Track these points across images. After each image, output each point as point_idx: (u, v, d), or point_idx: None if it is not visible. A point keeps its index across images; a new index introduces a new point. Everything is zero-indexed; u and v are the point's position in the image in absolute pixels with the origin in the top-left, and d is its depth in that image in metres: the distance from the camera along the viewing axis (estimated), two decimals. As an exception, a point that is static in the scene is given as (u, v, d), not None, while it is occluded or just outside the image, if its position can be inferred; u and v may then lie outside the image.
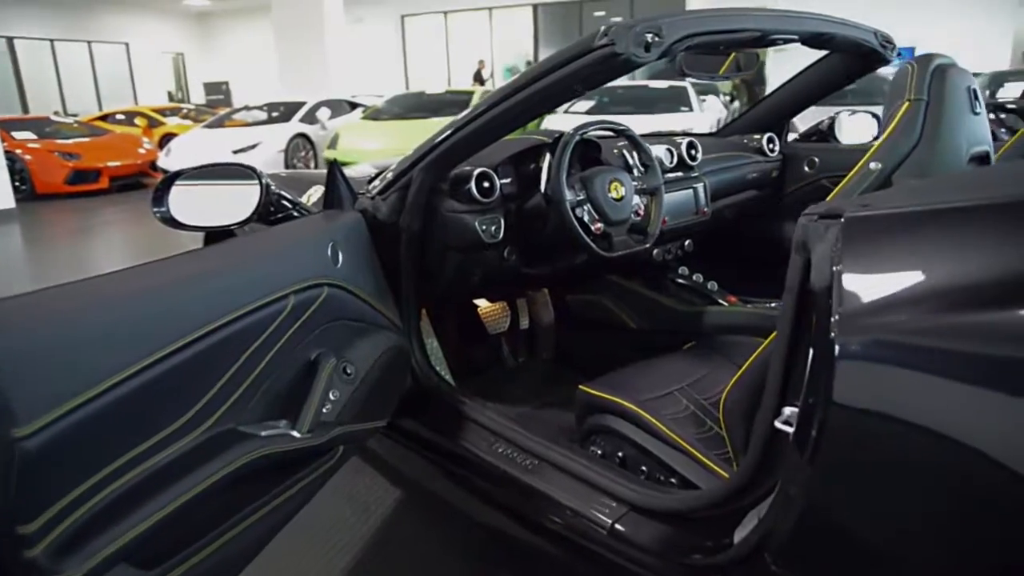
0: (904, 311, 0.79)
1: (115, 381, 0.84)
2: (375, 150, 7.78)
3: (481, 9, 17.27)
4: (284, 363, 1.19)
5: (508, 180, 1.79)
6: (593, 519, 1.32)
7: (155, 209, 1.35)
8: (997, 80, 8.84)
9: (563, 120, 7.79)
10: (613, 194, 1.73)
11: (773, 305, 1.91)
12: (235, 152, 8.30)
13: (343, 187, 1.53)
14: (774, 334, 1.25)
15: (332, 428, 1.26)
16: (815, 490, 0.90)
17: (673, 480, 1.41)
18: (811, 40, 1.77)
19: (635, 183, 1.80)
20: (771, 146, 2.42)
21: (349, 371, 1.35)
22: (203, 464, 0.99)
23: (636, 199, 1.80)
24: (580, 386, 1.64)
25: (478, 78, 15.47)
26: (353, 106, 10.39)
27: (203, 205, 1.38)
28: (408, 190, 1.65)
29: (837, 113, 2.52)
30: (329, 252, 1.34)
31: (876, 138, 2.48)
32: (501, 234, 1.72)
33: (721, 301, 1.98)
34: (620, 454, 1.50)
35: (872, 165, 1.11)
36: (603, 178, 1.73)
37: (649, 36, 1.32)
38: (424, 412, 1.75)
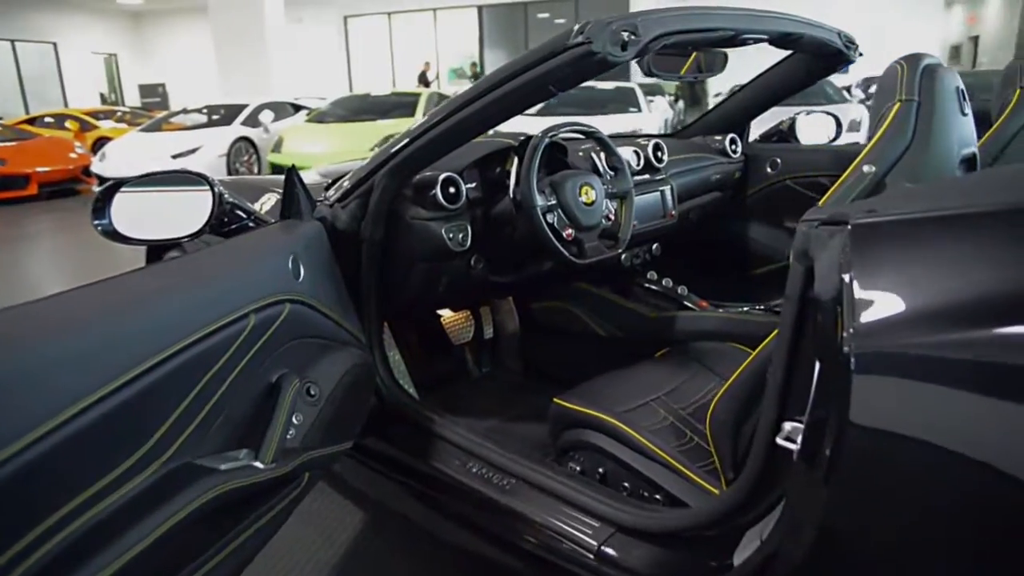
0: (928, 323, 0.74)
1: (53, 425, 0.74)
2: (321, 154, 7.61)
3: (425, 10, 17.13)
4: (244, 387, 1.09)
5: (473, 185, 1.71)
6: (578, 541, 1.25)
7: (95, 222, 1.23)
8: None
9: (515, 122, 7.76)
10: (584, 199, 1.67)
11: (745, 309, 1.88)
12: (174, 157, 8.00)
13: (302, 195, 1.43)
14: (764, 343, 1.20)
15: (297, 455, 1.17)
16: (830, 513, 0.85)
17: (658, 496, 1.35)
18: (779, 40, 1.74)
19: (605, 187, 1.74)
20: (733, 147, 2.40)
21: (313, 392, 1.26)
22: (159, 506, 0.89)
23: (606, 203, 1.74)
24: (554, 399, 1.58)
25: (423, 80, 15.32)
26: (297, 108, 10.14)
27: (150, 216, 1.27)
28: (369, 197, 1.57)
29: (796, 114, 2.52)
30: (290, 265, 1.24)
31: (836, 138, 2.53)
32: (468, 242, 1.64)
33: (692, 306, 1.94)
34: (600, 470, 1.43)
35: (865, 168, 1.07)
36: (574, 182, 1.67)
37: (625, 35, 1.26)
38: (390, 430, 1.66)
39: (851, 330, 0.78)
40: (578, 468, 1.47)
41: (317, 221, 1.47)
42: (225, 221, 1.35)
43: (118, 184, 1.26)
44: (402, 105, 8.68)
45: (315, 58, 17.11)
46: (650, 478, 1.36)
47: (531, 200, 1.56)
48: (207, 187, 1.26)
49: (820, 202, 1.10)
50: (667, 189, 2.08)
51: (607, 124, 7.04)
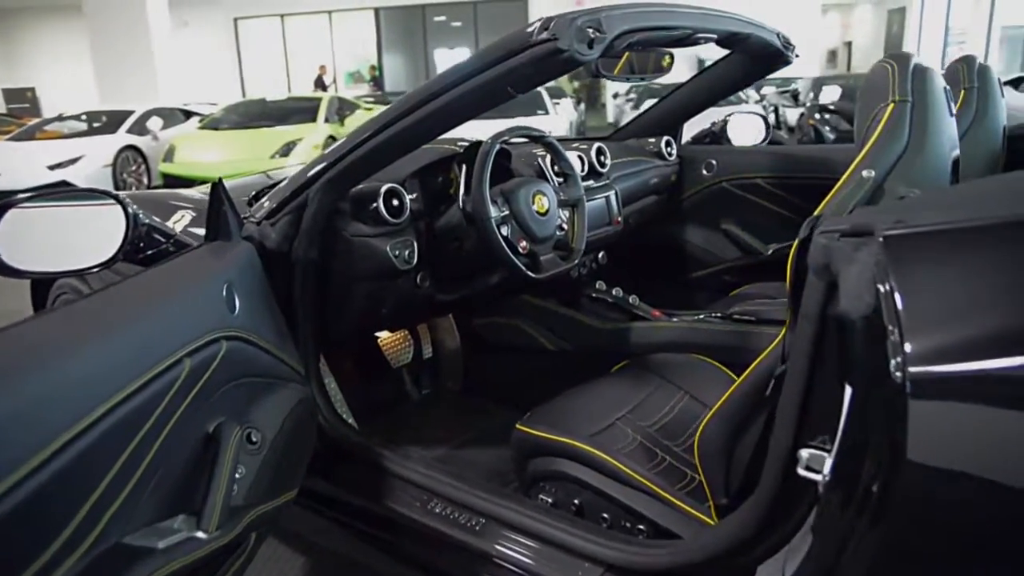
0: (995, 343, 0.66)
1: None
2: (218, 162, 7.21)
3: (320, 12, 16.61)
4: (179, 443, 0.92)
5: (415, 196, 1.57)
6: None
7: None
8: (818, 84, 9.60)
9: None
10: (537, 208, 1.56)
11: (701, 317, 1.82)
12: (51, 168, 7.37)
13: (230, 212, 1.25)
14: (757, 361, 1.13)
15: (243, 514, 1.00)
16: (880, 552, 0.76)
17: (641, 527, 1.26)
18: (727, 39, 1.70)
19: (557, 195, 1.64)
20: (668, 149, 2.35)
21: (255, 439, 1.09)
22: None
23: (559, 212, 1.63)
24: (517, 425, 1.46)
25: (320, 84, 14.85)
26: (188, 115, 9.60)
27: (48, 242, 1.06)
28: (303, 213, 1.40)
29: (729, 115, 2.50)
30: (224, 296, 1.07)
31: (766, 139, 2.52)
32: (415, 258, 1.50)
33: (646, 316, 1.86)
34: (576, 501, 1.32)
35: (864, 173, 1.00)
36: (526, 190, 1.55)
37: (591, 31, 1.16)
38: (334, 469, 1.50)
39: (904, 353, 0.69)
40: (550, 500, 1.36)
41: (248, 243, 1.29)
42: (140, 246, 1.16)
43: (5, 204, 1.05)
44: (302, 110, 8.35)
45: (204, 62, 16.32)
46: (631, 507, 1.27)
47: (484, 211, 1.44)
48: (118, 206, 1.07)
49: (817, 210, 1.03)
50: (612, 195, 2.00)
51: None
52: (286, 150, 7.25)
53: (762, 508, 0.97)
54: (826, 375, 0.88)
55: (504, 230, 1.49)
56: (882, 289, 0.73)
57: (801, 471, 0.86)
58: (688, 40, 1.57)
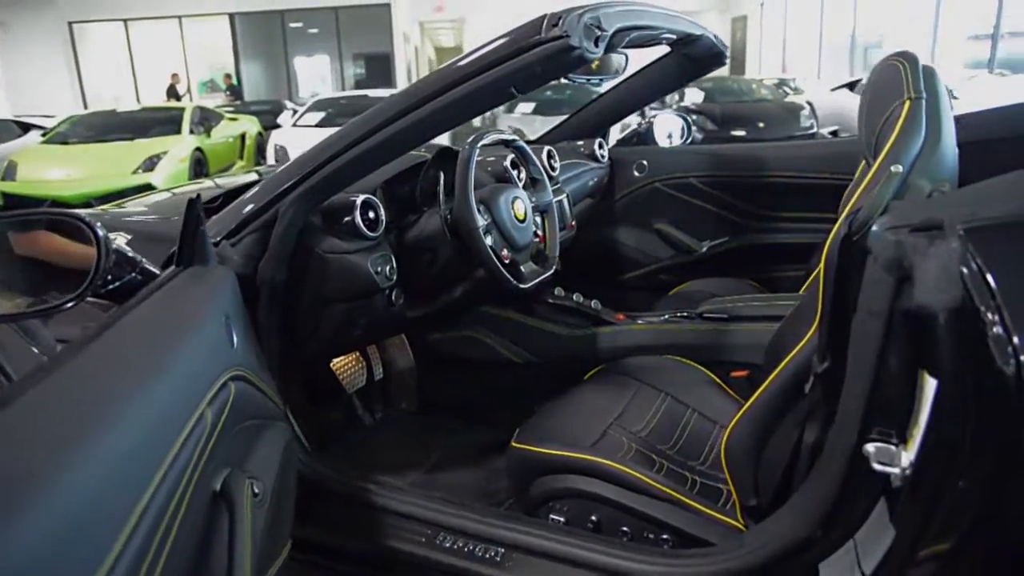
0: None
1: None
2: (70, 180, 6.59)
3: (169, 18, 15.56)
4: (192, 509, 0.77)
5: (382, 207, 1.47)
6: None
7: None
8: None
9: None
10: (516, 215, 1.49)
11: (666, 317, 1.81)
12: None
13: (205, 232, 1.09)
14: (784, 363, 1.12)
15: None
16: (985, 555, 0.76)
17: (665, 536, 1.22)
18: (682, 40, 1.71)
19: (532, 201, 1.58)
20: (601, 152, 2.35)
21: (257, 490, 0.96)
22: None
23: (535, 219, 1.58)
24: (513, 443, 1.39)
25: (173, 93, 13.94)
26: (25, 127, 8.70)
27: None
28: (270, 231, 1.27)
29: (654, 116, 2.54)
30: (224, 330, 0.94)
31: (688, 140, 2.58)
32: (395, 274, 1.39)
33: (610, 320, 1.83)
34: (594, 518, 1.27)
35: (893, 168, 1.01)
36: (505, 197, 1.48)
37: (595, 28, 1.12)
38: (315, 511, 1.36)
39: (1013, 344, 0.69)
40: (562, 520, 1.30)
41: (223, 267, 1.14)
42: (108, 278, 0.99)
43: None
44: (161, 121, 7.78)
45: (33, 69, 14.91)
46: (654, 516, 1.22)
47: (471, 220, 1.35)
48: (86, 231, 0.91)
49: (847, 208, 1.03)
50: (564, 198, 1.97)
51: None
52: (150, 164, 6.72)
53: (825, 503, 0.96)
54: (893, 370, 0.88)
55: (488, 239, 1.41)
56: (972, 281, 0.73)
57: (875, 465, 0.85)
58: (654, 40, 1.56)
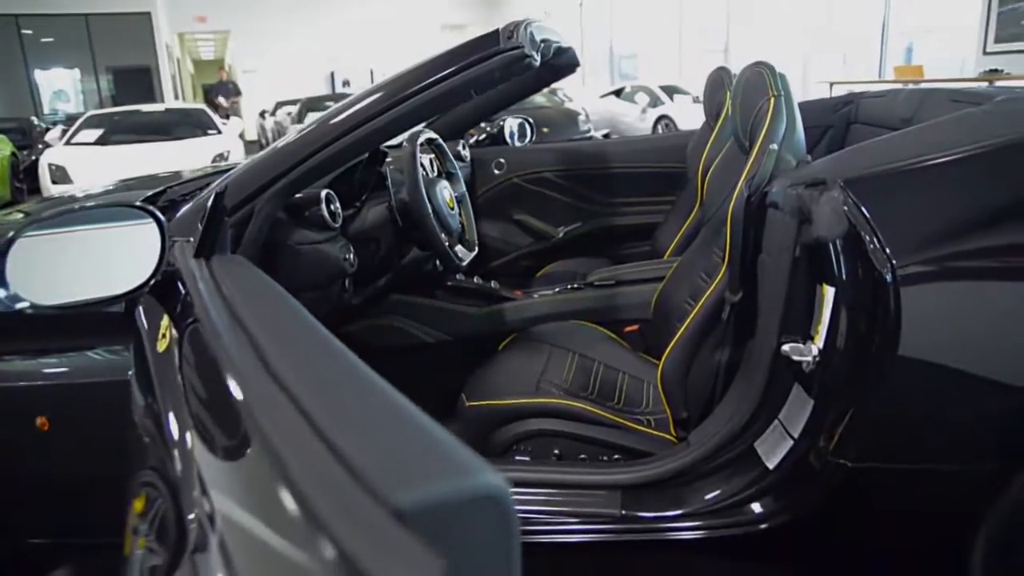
0: (940, 239, 1.05)
1: None
2: None
3: None
4: None
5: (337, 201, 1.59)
6: (603, 517, 1.31)
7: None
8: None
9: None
10: (448, 204, 1.69)
11: (557, 290, 2.09)
12: None
13: (227, 225, 1.18)
14: (701, 303, 1.43)
15: None
16: (874, 406, 1.12)
17: (618, 456, 1.49)
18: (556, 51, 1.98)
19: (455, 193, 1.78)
20: (464, 152, 2.58)
21: None
22: None
23: (457, 208, 1.78)
24: (468, 403, 1.58)
25: None
26: None
27: (67, 269, 0.93)
28: (245, 227, 1.36)
29: (503, 119, 2.82)
30: None
31: (532, 139, 2.89)
32: (357, 261, 1.53)
33: (510, 297, 2.08)
34: (556, 451, 1.50)
35: (771, 147, 1.36)
36: (440, 187, 1.67)
37: (536, 41, 1.35)
38: None
39: (887, 251, 1.05)
40: (528, 458, 1.52)
41: (241, 256, 1.23)
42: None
43: (14, 234, 0.91)
44: None
45: None
46: (606, 441, 1.49)
47: (423, 207, 1.53)
48: (151, 220, 0.98)
49: (743, 176, 1.37)
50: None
51: (182, 152, 6.55)
52: None
53: (755, 394, 1.28)
54: (800, 287, 1.21)
55: (432, 224, 1.59)
56: (853, 215, 1.09)
57: (796, 358, 1.19)
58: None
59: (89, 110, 9.37)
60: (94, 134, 7.19)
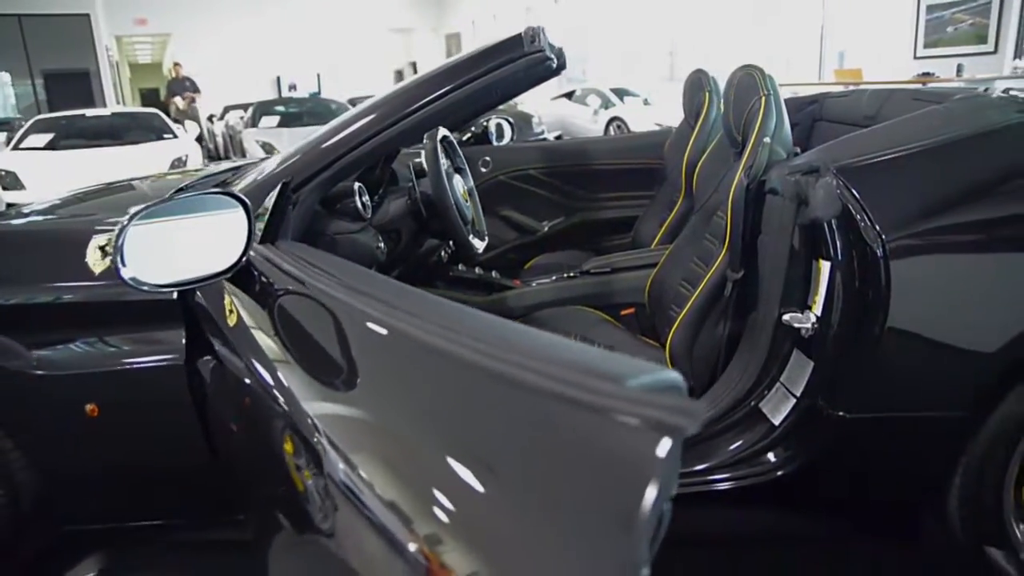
0: (923, 214, 1.24)
1: None
2: None
3: None
4: None
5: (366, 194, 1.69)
6: None
7: (123, 271, 0.96)
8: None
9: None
10: (463, 196, 1.80)
11: (554, 279, 2.23)
12: None
13: (291, 212, 1.28)
14: (705, 281, 1.59)
15: None
16: (868, 365, 1.29)
17: None
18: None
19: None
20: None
21: None
22: None
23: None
24: None
25: None
26: None
27: (169, 252, 1.03)
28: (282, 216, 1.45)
29: (487, 120, 2.95)
30: None
31: (513, 138, 3.02)
32: (386, 250, 1.64)
33: (510, 286, 2.21)
34: None
35: (766, 140, 1.52)
36: (456, 180, 1.78)
37: (552, 46, 1.49)
38: None
39: (877, 228, 1.23)
40: None
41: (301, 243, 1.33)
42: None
43: (126, 222, 1.00)
44: None
45: None
46: None
47: (447, 198, 1.64)
48: (238, 206, 1.08)
49: (741, 166, 1.53)
50: None
51: (135, 157, 6.47)
52: None
53: (759, 359, 1.44)
54: (798, 262, 1.38)
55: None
56: (845, 197, 1.26)
57: (796, 325, 1.35)
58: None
59: (18, 115, 8.97)
60: (44, 139, 7.03)
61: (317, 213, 1.52)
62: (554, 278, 2.23)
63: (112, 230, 1.47)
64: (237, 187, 1.50)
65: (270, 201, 1.23)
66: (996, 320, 1.26)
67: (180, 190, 1.70)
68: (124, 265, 0.97)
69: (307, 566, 0.99)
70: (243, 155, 8.55)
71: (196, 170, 2.51)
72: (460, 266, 2.24)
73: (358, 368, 0.82)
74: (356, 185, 1.57)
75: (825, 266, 1.33)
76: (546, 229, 2.81)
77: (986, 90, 1.97)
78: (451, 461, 0.61)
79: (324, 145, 1.43)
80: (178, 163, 6.55)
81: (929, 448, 1.37)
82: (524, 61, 1.41)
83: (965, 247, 1.29)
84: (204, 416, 1.42)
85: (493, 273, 2.24)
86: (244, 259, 1.09)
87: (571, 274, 2.21)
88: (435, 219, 1.68)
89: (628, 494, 0.43)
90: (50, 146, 6.98)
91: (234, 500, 1.50)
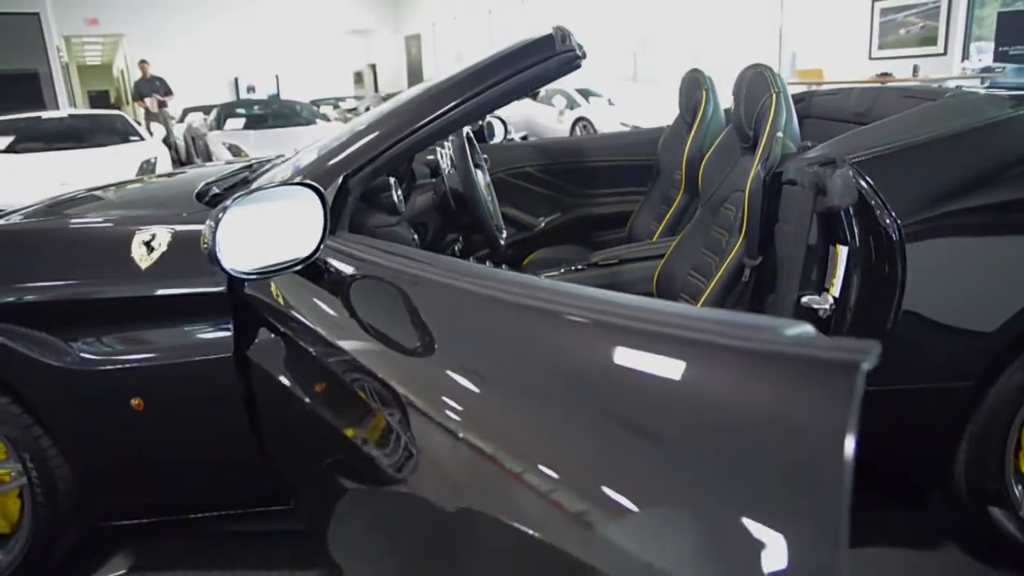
0: (933, 199, 1.35)
1: None
2: None
3: None
4: None
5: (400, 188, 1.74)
6: None
7: (223, 261, 1.02)
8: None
9: None
10: (486, 190, 1.87)
11: (562, 271, 2.31)
12: None
13: (350, 205, 1.33)
14: (724, 267, 1.68)
15: None
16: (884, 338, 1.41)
17: None
18: None
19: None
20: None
21: None
22: None
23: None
24: None
25: None
26: None
27: (255, 241, 1.08)
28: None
29: (486, 118, 3.01)
30: None
31: (507, 137, 3.09)
32: (419, 243, 1.70)
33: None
34: None
35: (778, 135, 1.62)
36: (479, 175, 1.85)
37: (580, 45, 1.56)
38: None
39: (893, 214, 1.34)
40: None
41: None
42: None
43: (222, 209, 1.05)
44: None
45: None
46: None
47: (477, 193, 1.71)
48: (315, 196, 1.14)
49: (755, 163, 1.62)
50: None
51: (99, 160, 6.35)
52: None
53: None
54: (816, 248, 1.48)
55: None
56: (861, 187, 1.37)
57: (813, 306, 1.45)
58: None
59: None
60: (3, 141, 6.85)
61: (357, 207, 1.57)
62: (562, 270, 2.31)
63: (151, 227, 1.51)
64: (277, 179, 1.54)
65: (330, 193, 1.29)
66: (1001, 296, 1.38)
67: (245, 181, 1.73)
68: (220, 254, 1.02)
69: (388, 543, 1.05)
70: (209, 158, 8.43)
71: (214, 167, 2.53)
72: (471, 259, 2.30)
73: (490, 350, 0.88)
74: (391, 179, 1.62)
75: (843, 251, 1.43)
76: (543, 225, 2.90)
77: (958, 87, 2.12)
78: (618, 428, 0.67)
79: (369, 138, 1.45)
80: (147, 166, 6.45)
81: (938, 417, 1.48)
82: (555, 60, 1.47)
83: (974, 230, 1.41)
84: (253, 408, 1.45)
85: (503, 267, 2.30)
86: (322, 246, 1.14)
87: (579, 267, 2.29)
88: (463, 213, 1.75)
89: (826, 430, 0.50)
90: (10, 149, 6.81)
91: (278, 491, 1.54)
